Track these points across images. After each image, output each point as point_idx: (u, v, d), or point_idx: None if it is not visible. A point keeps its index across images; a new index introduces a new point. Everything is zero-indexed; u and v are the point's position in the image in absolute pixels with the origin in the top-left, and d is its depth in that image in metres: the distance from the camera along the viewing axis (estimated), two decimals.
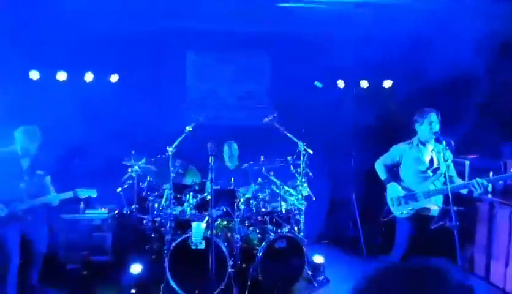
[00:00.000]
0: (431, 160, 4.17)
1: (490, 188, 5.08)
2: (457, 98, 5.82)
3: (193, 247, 4.29)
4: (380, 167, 4.37)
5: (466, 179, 4.77)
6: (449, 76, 5.47)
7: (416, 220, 4.12)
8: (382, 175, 4.34)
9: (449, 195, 3.71)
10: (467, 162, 5.13)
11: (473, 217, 5.25)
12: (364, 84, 6.69)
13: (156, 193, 5.35)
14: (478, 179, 3.83)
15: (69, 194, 4.33)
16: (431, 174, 4.13)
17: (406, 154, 4.22)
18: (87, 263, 5.33)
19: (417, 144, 4.20)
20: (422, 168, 4.15)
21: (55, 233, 5.39)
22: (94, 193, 4.48)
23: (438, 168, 4.12)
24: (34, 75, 6.10)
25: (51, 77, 6.19)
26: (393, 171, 4.36)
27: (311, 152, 5.23)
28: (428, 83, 5.86)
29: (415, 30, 5.40)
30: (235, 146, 5.78)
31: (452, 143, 3.85)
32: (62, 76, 6.20)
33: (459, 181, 4.09)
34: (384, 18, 5.48)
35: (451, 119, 5.48)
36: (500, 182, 4.92)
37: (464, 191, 4.02)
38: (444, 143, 3.91)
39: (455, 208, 3.66)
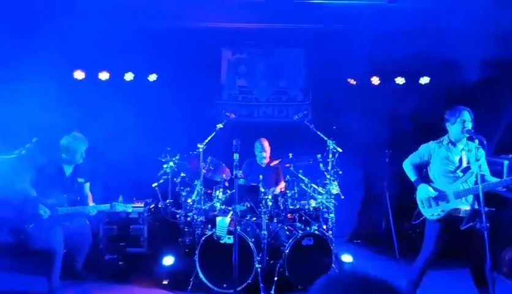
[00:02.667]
0: (461, 160, 4.01)
1: None
2: (497, 95, 5.55)
3: (220, 241, 4.39)
4: (408, 167, 4.25)
5: (504, 178, 4.54)
6: (488, 71, 5.24)
7: (446, 222, 3.99)
8: (412, 176, 4.23)
9: (480, 195, 3.57)
10: (506, 162, 4.88)
11: (509, 218, 5.00)
12: (400, 80, 6.50)
13: (188, 188, 5.53)
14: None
15: (106, 206, 4.53)
16: (461, 174, 3.98)
17: (435, 153, 4.09)
18: (124, 253, 5.60)
19: (448, 144, 4.06)
20: (451, 168, 4.01)
21: (95, 224, 5.72)
22: (129, 208, 4.65)
23: (468, 168, 3.96)
24: (79, 75, 6.46)
25: (94, 77, 6.52)
26: (422, 172, 4.24)
27: (340, 150, 5.19)
28: (465, 79, 5.64)
29: (451, 24, 5.21)
30: (266, 143, 5.83)
31: (485, 141, 3.68)
32: (104, 75, 6.54)
33: (491, 180, 3.91)
34: (419, 12, 5.32)
35: (489, 117, 5.27)
36: None
37: (500, 188, 3.85)
38: (476, 141, 3.76)
39: (486, 209, 3.51)
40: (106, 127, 5.99)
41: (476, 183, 3.84)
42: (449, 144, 4.06)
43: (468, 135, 3.94)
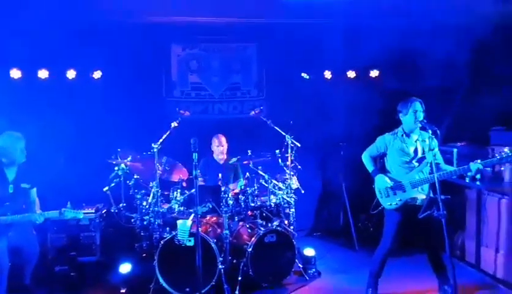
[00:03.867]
0: (416, 150, 4.14)
1: (478, 176, 5.07)
2: (444, 86, 5.81)
3: (181, 245, 4.23)
4: (366, 159, 4.35)
5: (454, 166, 4.75)
6: (435, 63, 5.45)
7: (403, 210, 4.10)
8: (369, 167, 4.33)
9: (436, 184, 3.69)
10: (455, 150, 5.12)
11: (462, 204, 5.26)
12: (351, 74, 6.62)
13: (143, 191, 5.27)
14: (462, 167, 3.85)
15: (54, 214, 4.13)
16: (416, 164, 4.11)
17: (391, 144, 4.20)
18: (75, 264, 5.24)
19: (402, 135, 4.17)
20: (407, 159, 4.13)
21: (42, 234, 5.31)
22: (80, 215, 4.27)
23: (423, 158, 4.09)
24: (15, 73, 5.94)
25: (32, 76, 6.02)
26: (380, 163, 4.34)
27: (298, 145, 5.20)
28: (415, 72, 5.84)
29: (402, 19, 5.36)
30: (223, 139, 5.70)
31: (438, 131, 3.81)
32: (43, 74, 6.05)
33: (446, 168, 4.06)
34: (371, 8, 5.42)
35: (437, 107, 5.50)
36: (488, 169, 4.92)
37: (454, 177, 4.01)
38: (430, 131, 3.88)
39: (442, 197, 3.64)
40: (49, 129, 5.59)
41: (431, 172, 3.97)
42: (404, 135, 4.17)
43: (421, 125, 4.05)
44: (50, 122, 5.64)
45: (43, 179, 5.28)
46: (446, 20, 5.27)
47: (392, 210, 4.14)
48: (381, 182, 4.17)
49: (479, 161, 3.82)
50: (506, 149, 3.74)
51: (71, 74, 6.16)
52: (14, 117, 5.12)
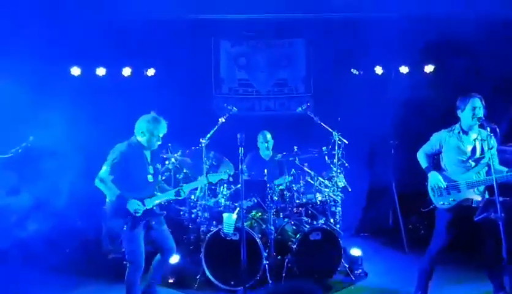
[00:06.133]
0: (473, 149, 3.91)
1: None
2: (506, 81, 5.44)
3: (226, 238, 4.29)
4: (421, 156, 4.18)
5: None
6: (496, 56, 5.13)
7: (457, 212, 3.89)
8: (423, 164, 4.15)
9: (495, 186, 3.47)
10: None
11: None
12: (404, 69, 6.37)
13: None
14: None
15: (203, 181, 4.13)
16: (473, 164, 3.88)
17: (447, 142, 3.98)
18: None
19: (459, 132, 3.94)
20: (463, 157, 3.90)
21: (99, 224, 5.61)
22: (225, 176, 4.22)
23: (482, 158, 3.86)
24: (75, 71, 6.31)
25: (90, 73, 6.37)
26: (434, 160, 4.14)
27: (346, 142, 5.10)
28: (473, 67, 5.53)
29: (457, 11, 5.09)
30: (269, 135, 5.71)
31: (497, 129, 3.57)
32: (101, 71, 6.38)
33: (502, 169, 3.81)
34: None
35: (499, 104, 5.16)
36: None
37: None
38: (488, 129, 3.65)
39: (501, 199, 3.41)
40: (105, 125, 5.88)
41: (488, 173, 3.74)
42: (461, 132, 3.95)
43: (479, 123, 3.83)
44: (106, 118, 5.93)
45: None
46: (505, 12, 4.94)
47: (444, 210, 3.94)
48: (435, 180, 3.97)
49: None
50: None
51: (126, 72, 6.45)
52: (73, 113, 5.44)
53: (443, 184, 3.92)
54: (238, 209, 4.00)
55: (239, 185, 4.98)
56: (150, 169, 3.97)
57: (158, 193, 3.98)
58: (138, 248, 3.83)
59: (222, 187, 4.99)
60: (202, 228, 4.93)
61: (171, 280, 4.80)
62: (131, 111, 6.03)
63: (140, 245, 3.84)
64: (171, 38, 6.25)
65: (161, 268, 4.16)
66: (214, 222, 4.91)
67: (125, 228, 3.74)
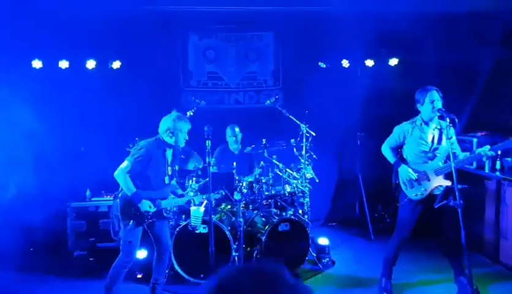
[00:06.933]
0: (434, 139, 4.05)
1: (498, 166, 4.95)
2: (465, 76, 5.66)
3: (195, 231, 4.29)
4: (386, 150, 4.25)
5: None
6: (458, 51, 5.31)
7: (424, 200, 4.02)
8: (390, 158, 4.22)
9: (453, 173, 3.61)
10: (475, 140, 4.99)
11: (482, 195, 5.14)
12: (370, 63, 6.51)
13: None
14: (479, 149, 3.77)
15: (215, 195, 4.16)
16: (434, 153, 4.02)
17: (409, 133, 4.10)
18: (94, 249, 5.38)
19: (421, 124, 4.07)
20: (426, 148, 4.03)
21: (62, 221, 5.48)
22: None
23: (442, 146, 4.01)
24: (37, 64, 6.09)
25: (52, 66, 6.16)
26: (399, 153, 4.25)
27: (313, 134, 5.17)
28: (435, 60, 5.71)
29: (421, 6, 5.23)
30: (237, 129, 5.71)
31: (456, 119, 3.71)
32: (64, 64, 6.18)
33: (461, 157, 3.98)
34: None
35: (458, 96, 5.36)
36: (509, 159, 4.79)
37: (473, 166, 3.93)
38: (448, 119, 3.79)
39: (459, 186, 3.56)
40: (68, 119, 5.74)
41: (446, 161, 3.89)
42: (422, 124, 4.07)
43: (439, 114, 3.96)
44: (69, 111, 5.77)
45: (66, 167, 5.48)
46: (467, 6, 5.13)
47: (409, 199, 4.06)
48: (405, 173, 4.05)
49: (488, 147, 3.73)
50: None
51: (91, 64, 6.27)
52: (35, 106, 5.26)
53: (414, 175, 4.02)
54: (206, 202, 4.00)
55: (207, 179, 4.97)
56: (169, 170, 4.03)
57: (172, 196, 4.07)
58: (136, 241, 3.92)
59: (190, 180, 4.97)
60: (171, 222, 4.89)
61: (139, 276, 4.76)
62: (95, 104, 5.97)
63: (138, 239, 3.94)
64: (138, 30, 6.10)
65: (162, 267, 4.19)
66: (183, 216, 4.89)
67: (130, 224, 3.80)
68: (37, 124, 5.36)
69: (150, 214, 3.86)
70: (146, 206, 3.81)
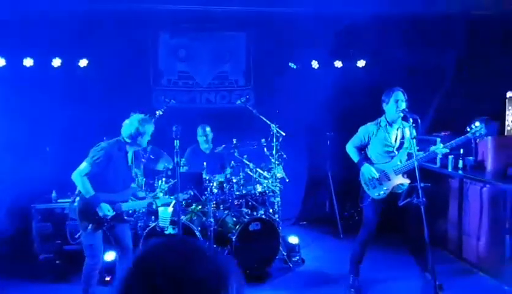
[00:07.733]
0: (397, 139, 4.17)
1: (461, 165, 5.14)
2: (429, 77, 5.84)
3: (164, 232, 4.26)
4: (351, 150, 4.34)
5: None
6: (426, 52, 5.47)
7: (387, 199, 4.13)
8: (354, 157, 4.32)
9: (416, 171, 3.72)
10: (438, 139, 5.15)
11: (445, 193, 5.32)
12: (338, 64, 6.62)
13: None
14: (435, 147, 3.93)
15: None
16: (397, 152, 4.15)
17: (374, 134, 4.21)
18: (60, 252, 5.25)
19: (386, 125, 4.18)
20: (389, 148, 4.16)
21: (27, 223, 5.31)
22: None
23: (402, 145, 4.14)
24: (0, 61, 5.88)
25: (16, 64, 5.97)
26: (363, 153, 4.36)
27: (283, 134, 5.21)
28: (402, 62, 5.86)
29: (390, 8, 5.35)
30: (208, 128, 5.69)
31: (418, 120, 3.84)
32: (29, 62, 6.00)
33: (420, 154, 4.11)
34: None
35: (425, 96, 5.53)
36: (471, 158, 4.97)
37: (437, 165, 4.06)
38: (411, 120, 3.90)
39: (422, 184, 3.68)
40: (33, 118, 5.57)
41: (409, 159, 4.03)
42: (387, 125, 4.18)
43: (402, 114, 4.08)
44: (34, 110, 5.60)
45: (30, 168, 5.30)
46: (438, 8, 5.28)
47: (373, 199, 4.16)
48: (368, 172, 4.16)
49: (441, 145, 3.92)
50: (475, 125, 3.81)
51: (56, 62, 6.10)
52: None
53: (376, 174, 4.12)
54: (174, 202, 3.98)
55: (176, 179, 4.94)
56: (130, 173, 3.95)
57: (132, 199, 3.97)
58: (98, 243, 3.84)
59: (160, 181, 4.92)
60: (140, 224, 4.83)
61: (107, 278, 4.67)
62: (61, 103, 5.82)
63: (100, 241, 3.86)
64: (107, 28, 5.98)
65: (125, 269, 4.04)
66: (152, 217, 4.82)
67: (89, 228, 3.69)
68: (0, 124, 5.20)
69: (109, 217, 3.74)
70: (105, 209, 3.69)
